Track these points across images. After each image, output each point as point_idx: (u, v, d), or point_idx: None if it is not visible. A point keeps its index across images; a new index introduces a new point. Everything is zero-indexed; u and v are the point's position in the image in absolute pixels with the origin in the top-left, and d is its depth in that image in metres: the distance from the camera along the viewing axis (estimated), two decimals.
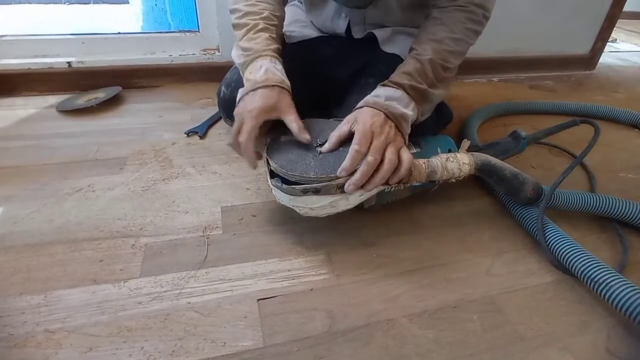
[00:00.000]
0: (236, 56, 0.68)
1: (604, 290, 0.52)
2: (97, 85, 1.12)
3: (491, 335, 0.51)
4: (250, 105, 0.58)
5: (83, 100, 1.04)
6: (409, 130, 0.61)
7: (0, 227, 0.63)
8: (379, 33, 0.79)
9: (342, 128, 0.57)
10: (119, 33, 1.19)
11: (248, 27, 0.67)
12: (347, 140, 0.57)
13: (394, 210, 0.71)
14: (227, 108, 0.87)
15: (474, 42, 0.68)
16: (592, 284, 0.54)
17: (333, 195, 0.56)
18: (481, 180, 0.78)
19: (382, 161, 0.54)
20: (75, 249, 0.59)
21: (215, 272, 0.57)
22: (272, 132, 0.63)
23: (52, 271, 0.56)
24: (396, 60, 0.68)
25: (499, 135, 0.86)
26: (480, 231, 0.68)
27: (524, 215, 0.67)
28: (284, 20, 0.73)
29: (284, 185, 0.57)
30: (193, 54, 1.21)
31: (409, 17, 0.80)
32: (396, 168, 0.55)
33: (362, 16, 0.80)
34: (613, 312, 0.54)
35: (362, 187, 0.55)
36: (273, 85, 0.59)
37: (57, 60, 1.10)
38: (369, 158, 0.53)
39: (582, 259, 0.56)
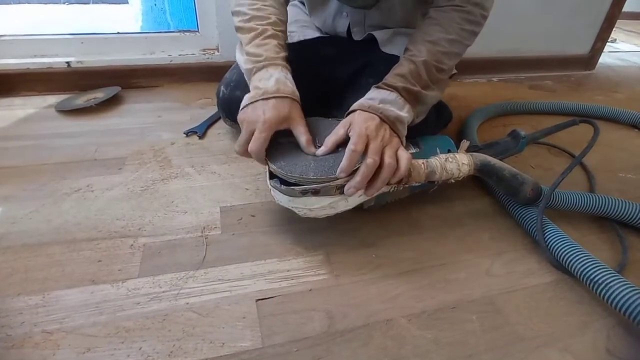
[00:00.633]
0: (242, 61, 0.67)
1: (604, 291, 0.52)
2: (96, 85, 1.12)
3: (490, 336, 0.50)
4: (264, 116, 0.57)
5: (82, 100, 1.04)
6: (405, 132, 0.61)
7: None
8: (379, 34, 0.79)
9: (338, 132, 0.57)
10: (118, 33, 1.19)
11: (256, 32, 0.66)
12: (343, 144, 0.56)
13: (393, 211, 0.70)
14: (226, 108, 0.87)
15: (471, 42, 0.68)
16: (592, 284, 0.54)
17: (332, 197, 0.55)
18: (480, 180, 0.77)
19: (380, 164, 0.54)
20: (73, 249, 0.59)
21: (214, 272, 0.57)
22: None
23: (50, 271, 0.55)
24: (396, 61, 0.68)
25: (499, 135, 0.86)
26: (479, 231, 0.68)
27: (524, 216, 0.67)
28: (287, 23, 0.73)
29: (282, 186, 0.56)
30: (192, 54, 1.21)
31: (409, 18, 0.80)
32: (396, 168, 0.55)
33: (363, 17, 0.80)
34: (613, 313, 0.54)
35: (365, 191, 0.55)
36: (285, 97, 0.59)
37: (56, 60, 1.10)
38: (368, 160, 0.53)
39: (581, 259, 0.56)
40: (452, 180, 0.63)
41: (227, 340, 0.48)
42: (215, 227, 0.65)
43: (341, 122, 0.59)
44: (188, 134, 0.92)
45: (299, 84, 0.63)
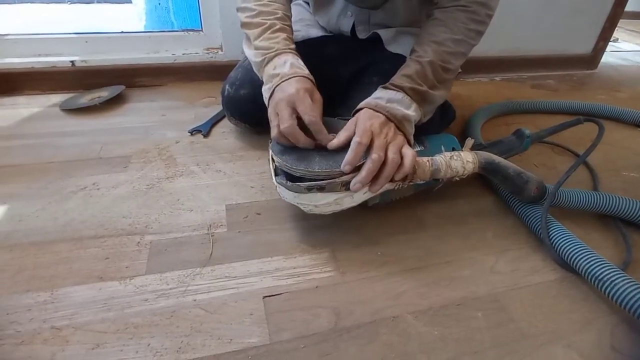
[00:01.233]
0: (252, 55, 0.68)
1: (608, 288, 0.52)
2: (100, 84, 1.12)
3: (496, 333, 0.51)
4: (295, 88, 0.58)
5: (86, 99, 1.05)
6: (412, 131, 0.61)
7: (6, 225, 0.63)
8: (384, 33, 0.80)
9: (350, 127, 0.57)
10: (122, 32, 1.19)
11: (264, 26, 0.66)
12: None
13: (398, 209, 0.71)
14: (231, 107, 0.87)
15: (477, 42, 0.68)
16: (596, 281, 0.54)
17: (338, 193, 0.56)
18: (485, 178, 0.78)
19: (385, 160, 0.54)
20: (80, 246, 0.60)
21: (221, 269, 0.57)
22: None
23: (58, 269, 0.56)
24: (401, 59, 0.68)
25: (502, 134, 0.87)
26: (484, 230, 0.68)
27: (528, 214, 0.67)
28: (292, 19, 0.74)
29: (288, 182, 0.57)
30: (196, 53, 1.21)
31: (413, 18, 0.80)
32: (400, 164, 0.55)
33: (367, 16, 0.80)
34: (617, 310, 0.54)
35: (369, 187, 0.55)
36: (303, 77, 0.60)
37: (61, 59, 1.10)
38: (373, 155, 0.53)
39: (586, 257, 0.56)
40: (457, 178, 0.64)
41: (235, 336, 0.48)
42: (221, 225, 0.65)
43: (349, 120, 0.59)
44: (192, 132, 0.93)
45: None
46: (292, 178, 0.57)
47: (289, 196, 0.58)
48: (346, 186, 0.55)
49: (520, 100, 1.19)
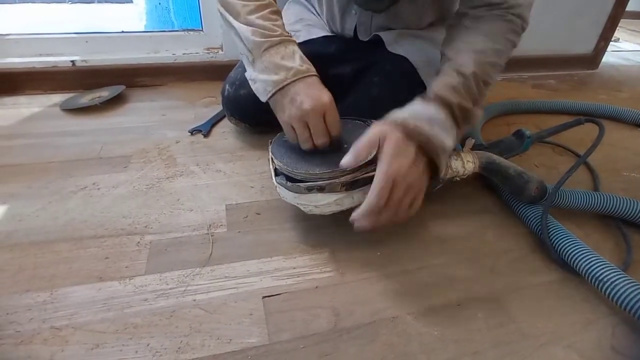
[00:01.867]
0: (248, 31, 0.58)
1: (609, 289, 0.52)
2: (100, 84, 1.12)
3: (496, 333, 0.51)
4: (322, 98, 0.55)
5: (87, 98, 1.05)
6: (444, 166, 0.53)
7: (6, 225, 0.63)
8: (385, 35, 0.79)
9: (372, 141, 0.50)
10: (122, 32, 1.19)
11: (261, 3, 0.59)
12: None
13: None
14: (231, 106, 0.87)
15: (511, 55, 0.62)
16: (597, 282, 0.54)
17: (338, 193, 0.56)
18: (485, 178, 0.77)
19: (388, 206, 0.50)
20: (80, 246, 0.60)
21: (220, 269, 0.57)
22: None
23: (58, 268, 0.56)
24: (402, 61, 0.67)
25: (502, 134, 0.86)
26: (484, 230, 0.68)
27: (528, 214, 0.67)
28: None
29: (288, 183, 0.57)
30: (197, 53, 1.21)
31: (415, 22, 0.80)
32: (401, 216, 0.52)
33: (370, 18, 0.80)
34: (617, 310, 0.54)
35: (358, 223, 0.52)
36: (316, 75, 0.58)
37: (61, 59, 1.11)
38: (383, 214, 0.50)
39: (586, 258, 0.56)
40: (457, 178, 0.63)
41: (234, 336, 0.48)
42: (221, 225, 0.65)
43: (375, 127, 0.51)
44: (193, 132, 0.93)
45: None
46: (292, 178, 0.57)
47: (289, 196, 0.58)
48: (346, 186, 0.55)
49: (521, 100, 1.19)
